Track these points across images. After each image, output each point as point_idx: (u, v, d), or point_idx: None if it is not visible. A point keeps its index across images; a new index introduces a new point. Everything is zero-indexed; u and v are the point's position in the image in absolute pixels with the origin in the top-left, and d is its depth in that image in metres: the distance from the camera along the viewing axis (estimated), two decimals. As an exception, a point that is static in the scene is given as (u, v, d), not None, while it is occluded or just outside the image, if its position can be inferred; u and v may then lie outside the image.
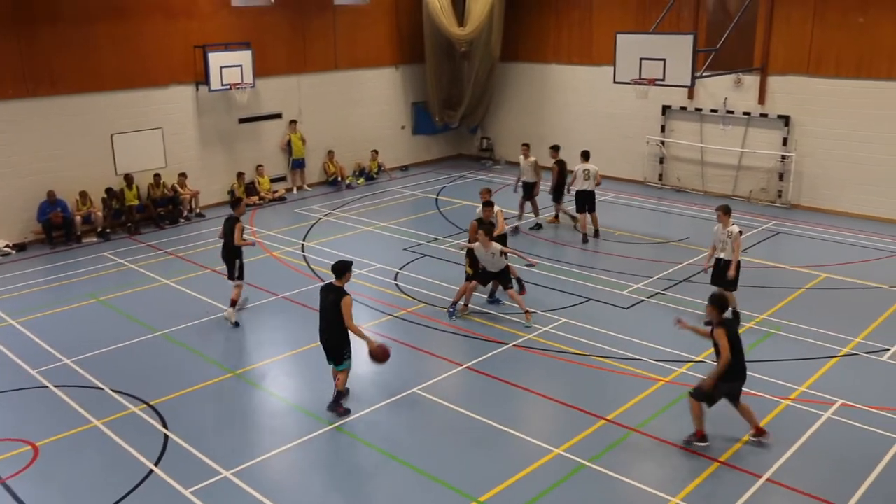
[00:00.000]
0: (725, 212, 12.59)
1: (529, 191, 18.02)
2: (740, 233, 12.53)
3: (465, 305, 13.30)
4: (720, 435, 9.49)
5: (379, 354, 10.01)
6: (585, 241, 17.12)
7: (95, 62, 18.29)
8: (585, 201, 17.24)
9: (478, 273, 13.15)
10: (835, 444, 9.33)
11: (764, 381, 10.76)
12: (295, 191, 22.38)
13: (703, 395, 9.13)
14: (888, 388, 10.61)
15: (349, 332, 9.92)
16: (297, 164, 22.48)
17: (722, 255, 12.59)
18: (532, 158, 17.94)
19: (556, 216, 18.61)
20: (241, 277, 13.22)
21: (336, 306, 9.79)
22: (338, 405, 10.15)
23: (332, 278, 10.15)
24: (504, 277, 13.03)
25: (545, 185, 18.46)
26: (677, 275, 14.95)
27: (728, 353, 8.88)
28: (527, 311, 12.85)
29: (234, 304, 13.10)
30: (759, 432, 9.32)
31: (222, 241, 13.23)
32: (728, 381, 9.09)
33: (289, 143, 22.19)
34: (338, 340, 9.98)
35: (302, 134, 22.28)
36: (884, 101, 18.22)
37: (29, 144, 17.55)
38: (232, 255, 13.12)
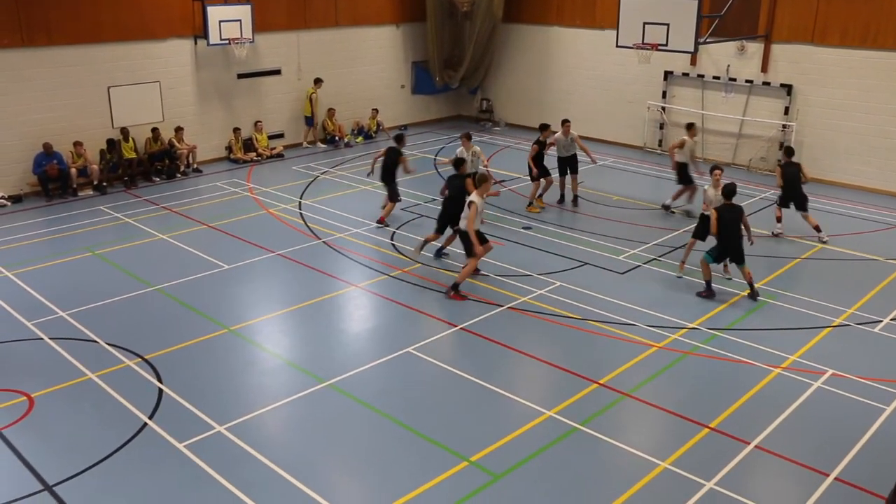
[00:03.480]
0: (726, 195, 12.63)
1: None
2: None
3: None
4: (710, 400, 9.58)
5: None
6: (562, 201, 17.31)
7: (93, 13, 18.05)
8: (567, 164, 17.05)
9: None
10: (824, 413, 9.42)
11: (756, 350, 10.83)
12: (319, 144, 22.66)
13: (711, 257, 12.50)
14: (879, 359, 10.68)
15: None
16: (312, 122, 22.52)
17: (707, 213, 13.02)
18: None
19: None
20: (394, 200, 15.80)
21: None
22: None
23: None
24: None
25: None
26: (674, 241, 14.95)
27: (714, 229, 12.27)
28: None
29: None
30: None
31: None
32: (717, 248, 12.44)
33: (311, 100, 22.20)
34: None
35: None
36: (890, 72, 18.07)
37: (24, 95, 17.38)
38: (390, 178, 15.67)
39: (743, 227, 12.53)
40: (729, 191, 12.49)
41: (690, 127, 16.68)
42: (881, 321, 11.82)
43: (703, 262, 12.59)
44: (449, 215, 13.41)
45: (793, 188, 15.22)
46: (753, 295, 12.49)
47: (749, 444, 8.73)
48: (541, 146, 16.67)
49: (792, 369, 10.37)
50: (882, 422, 9.18)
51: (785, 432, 8.99)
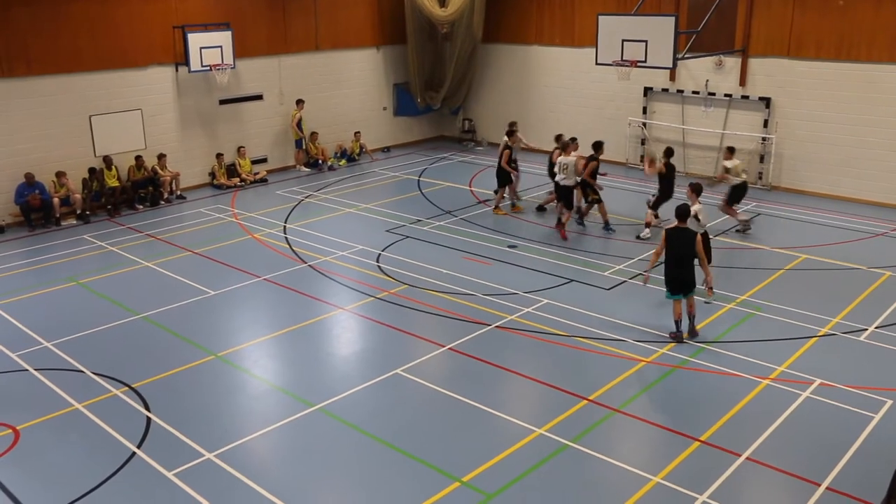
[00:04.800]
0: (694, 189, 12.83)
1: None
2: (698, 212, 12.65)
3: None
4: (700, 414, 9.60)
5: None
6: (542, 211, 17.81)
7: (72, 42, 18.04)
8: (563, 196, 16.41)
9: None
10: (813, 422, 9.45)
11: (744, 362, 10.87)
12: (302, 168, 22.69)
13: (668, 293, 11.41)
14: (866, 368, 10.75)
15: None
16: (300, 144, 22.61)
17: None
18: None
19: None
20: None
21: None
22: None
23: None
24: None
25: None
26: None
27: (657, 253, 11.62)
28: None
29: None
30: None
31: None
32: (668, 278, 11.45)
33: (299, 122, 22.28)
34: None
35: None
36: (864, 83, 18.33)
37: (5, 126, 17.31)
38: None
39: (699, 258, 11.42)
40: (681, 212, 11.46)
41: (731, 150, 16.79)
42: (866, 329, 11.90)
43: (674, 303, 11.55)
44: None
45: (671, 189, 16.18)
46: (692, 331, 11.57)
47: (740, 456, 8.74)
48: (511, 151, 17.54)
49: (780, 380, 10.41)
50: (871, 430, 9.21)
51: (775, 443, 9.02)
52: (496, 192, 18.27)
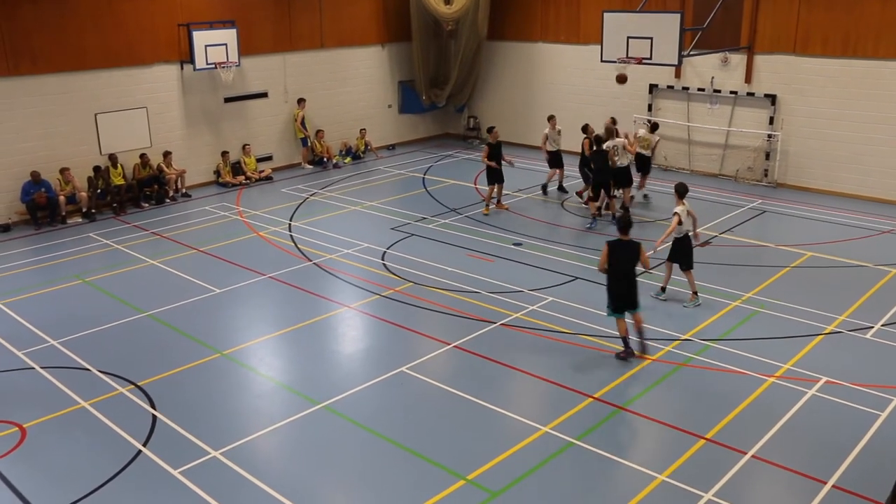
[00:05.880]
0: (677, 191, 12.73)
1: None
2: (675, 214, 12.52)
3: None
4: (705, 411, 9.59)
5: None
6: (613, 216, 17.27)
7: (78, 40, 18.08)
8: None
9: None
10: (819, 420, 9.43)
11: (749, 359, 10.85)
12: (306, 165, 22.81)
13: (610, 311, 10.94)
14: (871, 365, 10.72)
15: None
16: (306, 142, 22.70)
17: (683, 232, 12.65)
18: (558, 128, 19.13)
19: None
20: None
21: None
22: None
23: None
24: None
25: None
26: (662, 253, 14.97)
27: (601, 266, 10.91)
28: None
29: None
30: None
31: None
32: (612, 295, 10.95)
33: (303, 121, 22.34)
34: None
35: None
36: (869, 80, 18.27)
37: (11, 124, 17.35)
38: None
39: (642, 265, 11.10)
40: (625, 223, 10.87)
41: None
42: (872, 327, 11.87)
43: (618, 321, 10.98)
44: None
45: (604, 173, 16.58)
46: (643, 348, 10.97)
47: (746, 454, 8.73)
48: (491, 148, 17.60)
49: (786, 378, 10.39)
50: (877, 427, 9.19)
51: (781, 441, 9.00)
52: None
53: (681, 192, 12.67)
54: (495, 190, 17.90)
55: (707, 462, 8.61)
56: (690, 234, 12.73)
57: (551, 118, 19.28)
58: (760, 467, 8.54)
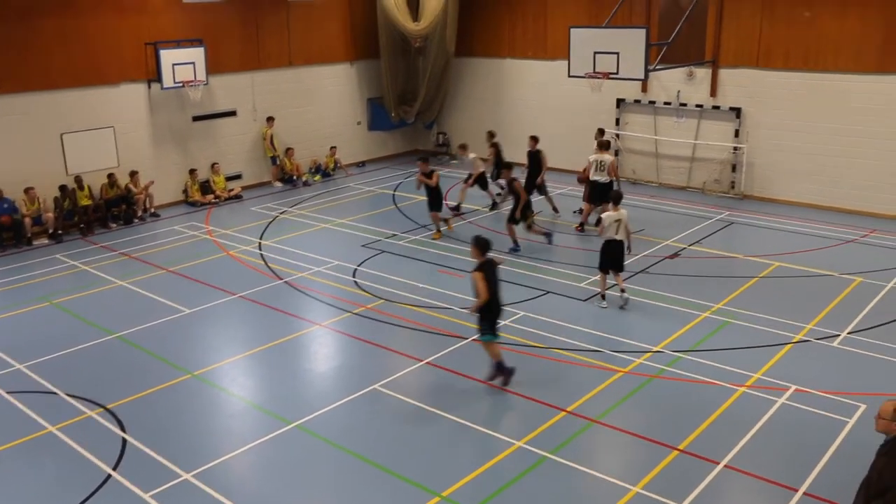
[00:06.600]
0: (611, 199, 13.53)
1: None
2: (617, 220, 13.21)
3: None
4: (678, 422, 9.65)
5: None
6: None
7: (43, 60, 17.90)
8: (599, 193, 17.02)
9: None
10: (789, 428, 9.53)
11: (720, 370, 10.95)
12: (276, 183, 22.65)
13: (485, 334, 10.45)
14: (838, 373, 10.87)
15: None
16: (275, 161, 22.61)
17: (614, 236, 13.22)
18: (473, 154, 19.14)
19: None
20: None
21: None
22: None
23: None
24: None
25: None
26: (633, 266, 15.11)
27: (485, 293, 10.11)
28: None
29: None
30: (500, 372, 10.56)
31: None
32: (490, 318, 10.34)
33: (272, 139, 22.27)
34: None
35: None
36: (830, 92, 18.62)
37: (-25, 145, 17.14)
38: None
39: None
40: (483, 244, 10.46)
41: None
42: (839, 335, 12.04)
43: (485, 344, 10.64)
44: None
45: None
46: (504, 376, 10.61)
47: (718, 463, 8.79)
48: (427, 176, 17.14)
49: (756, 387, 10.49)
50: (846, 434, 9.31)
51: (753, 450, 9.08)
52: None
53: (615, 199, 13.40)
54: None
55: (680, 473, 8.67)
56: (620, 239, 13.17)
57: (463, 146, 19.84)
58: (733, 477, 8.60)
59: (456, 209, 18.81)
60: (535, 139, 18.24)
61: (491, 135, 19.82)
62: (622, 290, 13.26)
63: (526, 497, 8.31)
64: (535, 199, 17.88)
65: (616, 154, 22.27)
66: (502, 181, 17.98)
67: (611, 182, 16.89)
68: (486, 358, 11.52)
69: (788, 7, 18.80)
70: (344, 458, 9.15)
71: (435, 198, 17.14)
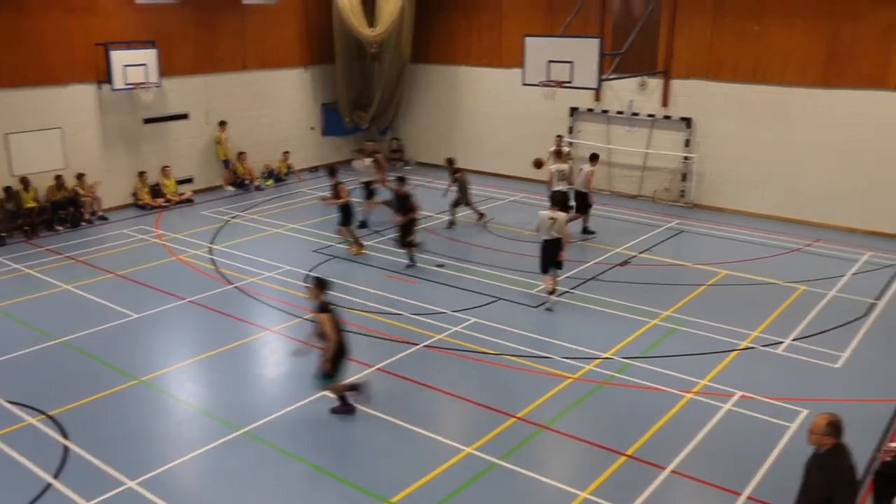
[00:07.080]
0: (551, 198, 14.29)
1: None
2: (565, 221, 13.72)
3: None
4: (626, 428, 9.75)
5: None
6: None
7: (-12, 58, 17.53)
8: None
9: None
10: (735, 434, 9.69)
11: (668, 376, 11.09)
12: (228, 188, 22.37)
13: (330, 378, 9.86)
14: (782, 379, 11.09)
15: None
16: (228, 164, 22.37)
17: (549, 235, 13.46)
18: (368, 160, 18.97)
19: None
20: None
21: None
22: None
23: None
24: None
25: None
26: (584, 273, 15.26)
27: (335, 335, 9.69)
28: None
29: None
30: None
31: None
32: (339, 360, 9.84)
33: (221, 143, 22.09)
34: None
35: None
36: (776, 104, 19.02)
37: (-85, 145, 16.67)
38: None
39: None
40: (323, 284, 10.07)
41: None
42: (783, 342, 12.28)
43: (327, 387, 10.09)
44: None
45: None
46: (349, 407, 10.15)
47: (665, 469, 8.90)
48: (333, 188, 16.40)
49: (703, 393, 10.65)
50: (788, 439, 9.50)
51: (699, 455, 9.21)
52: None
53: (554, 199, 13.96)
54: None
55: (628, 478, 8.75)
56: (558, 237, 13.39)
57: (361, 150, 19.97)
58: (679, 482, 8.72)
59: (363, 224, 18.23)
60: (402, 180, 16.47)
61: (450, 162, 19.00)
62: (551, 291, 13.55)
63: (475, 503, 8.31)
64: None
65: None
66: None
67: (570, 191, 16.93)
68: (435, 363, 11.56)
69: (738, 20, 19.18)
70: (292, 464, 9.07)
71: (345, 212, 16.45)
